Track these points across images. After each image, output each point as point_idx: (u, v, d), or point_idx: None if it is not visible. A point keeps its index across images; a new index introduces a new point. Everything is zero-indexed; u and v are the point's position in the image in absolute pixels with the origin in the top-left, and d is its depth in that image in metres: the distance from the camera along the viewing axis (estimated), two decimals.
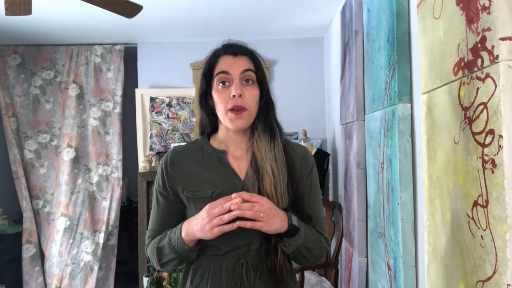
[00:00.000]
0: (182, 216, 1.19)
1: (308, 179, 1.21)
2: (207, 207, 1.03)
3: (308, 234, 1.12)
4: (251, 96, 1.13)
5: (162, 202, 1.19)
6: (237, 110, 1.11)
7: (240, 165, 1.17)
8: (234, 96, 1.10)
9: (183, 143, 3.54)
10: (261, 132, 1.16)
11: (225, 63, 1.14)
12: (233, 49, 1.17)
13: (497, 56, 0.83)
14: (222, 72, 1.13)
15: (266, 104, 1.18)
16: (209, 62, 1.19)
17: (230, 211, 1.01)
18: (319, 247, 1.15)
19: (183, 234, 1.08)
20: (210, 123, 1.22)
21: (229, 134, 1.18)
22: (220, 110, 1.14)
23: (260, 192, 1.11)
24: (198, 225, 1.04)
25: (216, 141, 1.21)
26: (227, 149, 1.19)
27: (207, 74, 1.18)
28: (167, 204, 1.19)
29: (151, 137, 3.68)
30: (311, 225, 1.17)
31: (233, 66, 1.13)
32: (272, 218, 1.04)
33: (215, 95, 1.15)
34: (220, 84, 1.14)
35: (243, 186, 1.13)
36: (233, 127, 1.13)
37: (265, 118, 1.17)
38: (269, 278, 1.11)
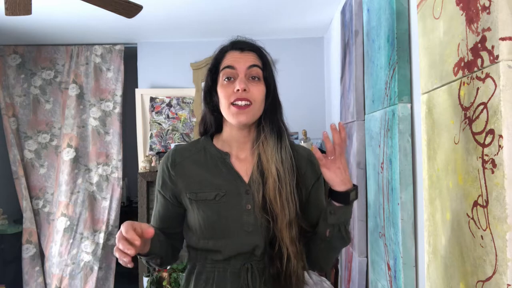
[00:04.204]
0: (181, 218, 1.16)
1: (316, 182, 1.18)
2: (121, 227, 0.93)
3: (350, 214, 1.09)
4: (257, 91, 1.09)
5: (160, 202, 1.17)
6: (240, 105, 1.07)
7: (244, 168, 1.13)
8: (238, 90, 1.07)
9: (183, 143, 3.54)
10: (268, 133, 1.12)
11: (231, 58, 1.11)
12: (240, 44, 1.14)
13: (497, 56, 0.83)
14: (228, 66, 1.10)
15: (273, 104, 1.14)
16: (215, 57, 1.16)
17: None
18: (349, 236, 1.12)
19: None
20: (215, 121, 1.17)
21: (233, 133, 1.14)
22: (223, 104, 1.10)
23: (263, 196, 1.08)
24: None
25: (220, 142, 1.17)
26: (230, 151, 1.15)
27: (213, 69, 1.15)
28: (165, 205, 1.16)
29: (151, 137, 3.68)
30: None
31: (239, 61, 1.10)
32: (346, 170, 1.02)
33: (219, 90, 1.11)
34: (226, 79, 1.10)
35: (247, 190, 1.10)
36: (236, 121, 1.09)
37: (272, 118, 1.14)
38: (273, 284, 1.07)
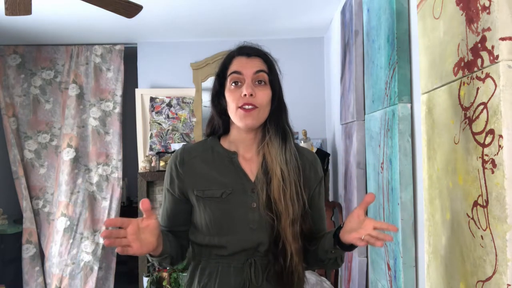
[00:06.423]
0: (188, 215, 1.19)
1: (318, 186, 1.22)
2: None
3: None
4: (263, 95, 1.13)
5: (169, 199, 1.20)
6: (247, 108, 1.11)
7: (250, 167, 1.16)
8: (245, 95, 1.10)
9: (190, 143, 3.54)
10: (273, 134, 1.16)
11: (238, 63, 1.15)
12: (247, 50, 1.18)
13: (497, 56, 0.83)
14: (235, 72, 1.14)
15: (278, 107, 1.18)
16: (223, 62, 1.20)
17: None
18: (342, 262, 1.19)
19: None
20: (223, 124, 1.21)
21: (241, 135, 1.18)
22: (231, 108, 1.14)
23: (268, 196, 1.11)
24: None
25: (227, 142, 1.21)
26: (237, 151, 1.18)
27: (221, 74, 1.19)
28: (173, 202, 1.19)
29: (151, 137, 3.67)
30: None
31: (246, 66, 1.14)
32: None
33: (227, 95, 1.15)
34: (233, 84, 1.14)
35: (253, 188, 1.13)
36: (243, 124, 1.13)
37: (277, 121, 1.17)
38: (276, 280, 1.11)
